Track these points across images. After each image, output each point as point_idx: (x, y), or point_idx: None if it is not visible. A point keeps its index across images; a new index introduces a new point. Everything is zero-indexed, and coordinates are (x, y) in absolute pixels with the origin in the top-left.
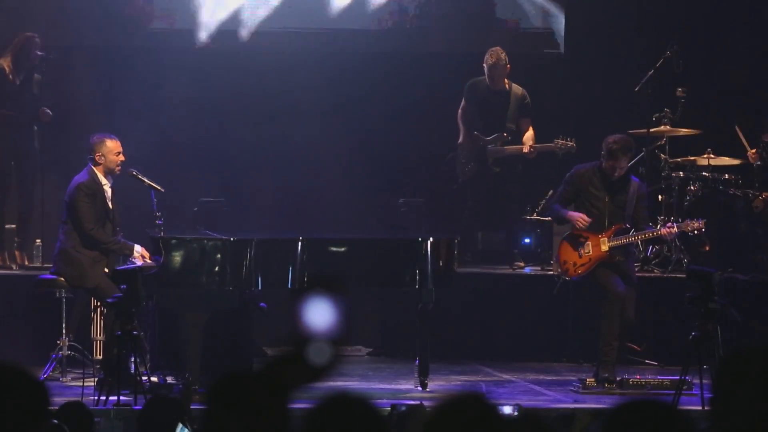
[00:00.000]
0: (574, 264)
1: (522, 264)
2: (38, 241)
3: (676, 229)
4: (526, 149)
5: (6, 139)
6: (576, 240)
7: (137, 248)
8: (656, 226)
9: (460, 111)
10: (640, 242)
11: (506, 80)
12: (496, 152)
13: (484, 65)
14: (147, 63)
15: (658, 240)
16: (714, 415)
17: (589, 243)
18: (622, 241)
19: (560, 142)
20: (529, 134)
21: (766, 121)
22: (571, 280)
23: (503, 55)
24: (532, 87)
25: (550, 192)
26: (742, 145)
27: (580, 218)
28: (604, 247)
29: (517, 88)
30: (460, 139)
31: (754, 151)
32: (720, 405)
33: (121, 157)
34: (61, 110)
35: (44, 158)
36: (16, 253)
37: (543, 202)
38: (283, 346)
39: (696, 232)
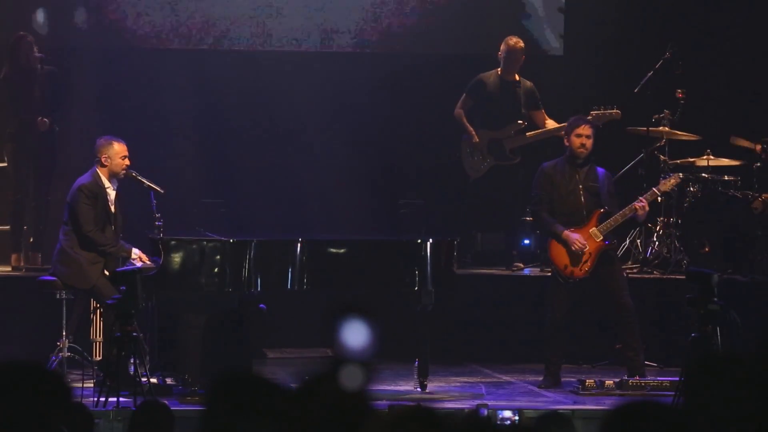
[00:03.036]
0: (577, 264)
1: (521, 265)
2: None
3: (645, 200)
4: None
5: (26, 141)
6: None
7: (135, 251)
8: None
9: (458, 109)
10: (623, 225)
11: (516, 74)
12: (514, 141)
13: (501, 53)
14: (146, 64)
15: (633, 220)
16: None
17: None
18: (611, 224)
19: (597, 112)
20: (552, 122)
21: None
22: (579, 281)
23: (521, 43)
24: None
25: None
26: (747, 149)
27: (577, 241)
28: (598, 238)
29: (525, 81)
30: (467, 136)
31: (759, 146)
32: (689, 412)
33: (127, 162)
34: (58, 112)
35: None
36: (30, 254)
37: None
38: (318, 367)
39: (674, 188)
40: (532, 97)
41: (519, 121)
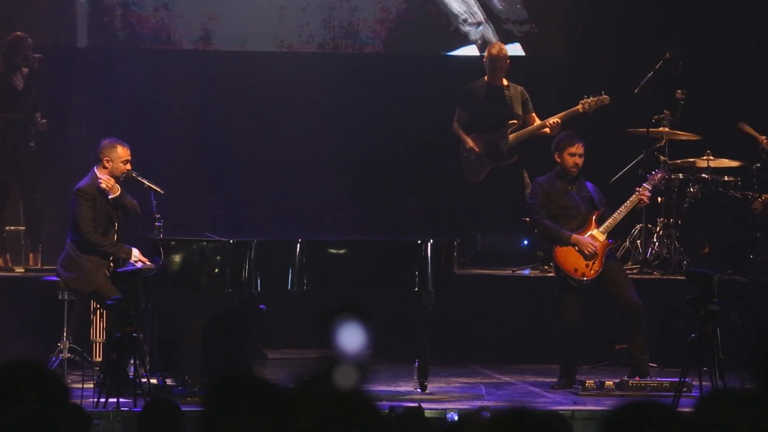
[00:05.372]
0: (587, 265)
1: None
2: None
3: (647, 189)
4: (549, 123)
5: (2, 140)
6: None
7: (135, 253)
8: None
9: (455, 122)
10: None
11: (504, 79)
12: (509, 141)
13: (485, 59)
14: (146, 64)
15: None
16: None
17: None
18: (610, 223)
19: (587, 101)
20: (537, 120)
21: None
22: (590, 282)
23: (504, 50)
24: (532, 87)
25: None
26: (753, 137)
27: (590, 244)
28: (601, 237)
29: (515, 86)
30: (463, 145)
31: (765, 138)
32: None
33: (129, 166)
34: (57, 112)
35: (42, 161)
36: (30, 255)
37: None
38: (312, 367)
39: (663, 182)
40: (523, 101)
41: (511, 121)
